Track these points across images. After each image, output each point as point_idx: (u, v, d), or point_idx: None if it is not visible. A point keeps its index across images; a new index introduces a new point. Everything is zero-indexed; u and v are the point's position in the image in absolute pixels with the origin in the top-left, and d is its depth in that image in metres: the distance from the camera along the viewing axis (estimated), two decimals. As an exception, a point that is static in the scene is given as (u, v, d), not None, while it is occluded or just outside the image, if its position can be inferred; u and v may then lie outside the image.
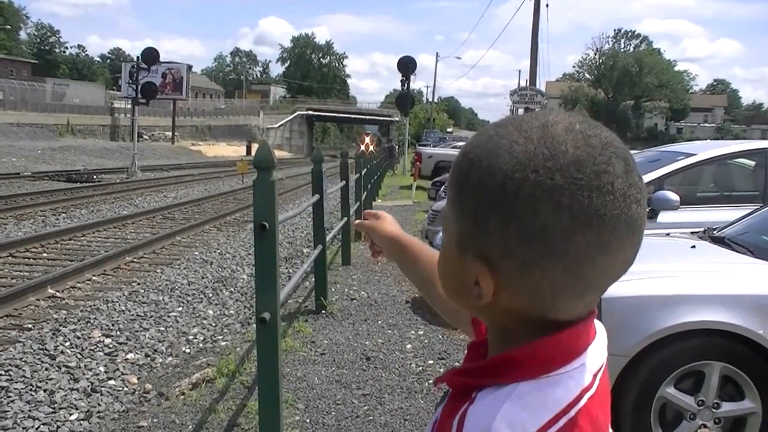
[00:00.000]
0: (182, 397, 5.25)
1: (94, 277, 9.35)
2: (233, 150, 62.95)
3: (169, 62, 65.82)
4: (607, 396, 0.93)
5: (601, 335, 0.93)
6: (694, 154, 7.22)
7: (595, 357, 0.90)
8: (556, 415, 0.82)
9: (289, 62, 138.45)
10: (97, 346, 6.44)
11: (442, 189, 16.28)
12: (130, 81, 32.24)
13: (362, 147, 40.49)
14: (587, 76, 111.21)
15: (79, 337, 6.60)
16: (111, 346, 6.49)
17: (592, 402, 0.86)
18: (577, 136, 0.82)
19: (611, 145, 0.83)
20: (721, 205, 7.07)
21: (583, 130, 0.83)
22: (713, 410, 3.91)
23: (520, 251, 0.81)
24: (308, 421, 4.78)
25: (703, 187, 7.92)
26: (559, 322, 0.86)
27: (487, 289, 0.85)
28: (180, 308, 8.00)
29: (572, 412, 0.83)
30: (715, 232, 5.24)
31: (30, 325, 7.01)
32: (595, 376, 0.88)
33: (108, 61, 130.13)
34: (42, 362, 5.88)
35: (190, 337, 7.05)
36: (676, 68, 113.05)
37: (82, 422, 4.90)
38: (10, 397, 5.15)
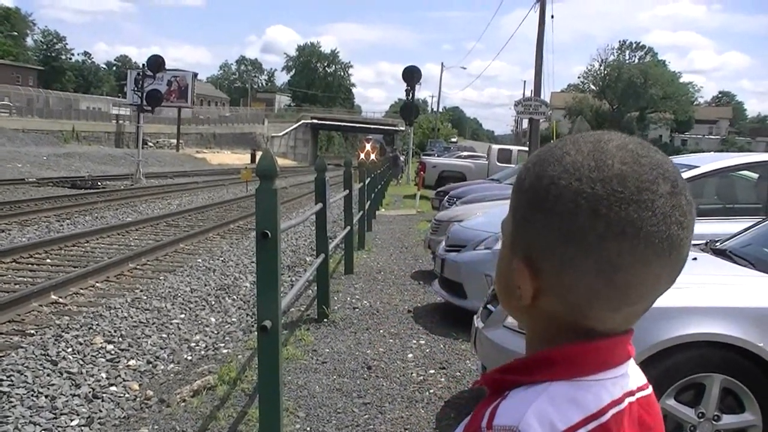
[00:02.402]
0: (183, 403, 5.26)
1: (97, 284, 9.37)
2: (238, 158, 63.01)
3: (174, 70, 66.00)
4: (647, 427, 0.94)
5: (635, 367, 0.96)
6: (698, 166, 7.22)
7: (631, 379, 0.93)
8: (586, 417, 0.85)
9: (294, 71, 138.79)
10: (99, 353, 6.45)
11: (445, 199, 16.29)
12: (136, 88, 32.29)
13: (362, 155, 39.74)
14: (592, 87, 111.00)
15: (81, 343, 6.61)
16: (113, 352, 6.50)
17: (623, 416, 0.89)
18: (626, 153, 0.87)
19: (660, 166, 0.87)
20: (724, 217, 7.06)
21: (635, 150, 0.88)
22: (714, 422, 3.91)
23: (559, 250, 0.86)
24: (309, 429, 4.78)
25: (706, 199, 7.90)
26: (595, 331, 0.89)
27: (527, 290, 0.90)
28: (182, 315, 8.01)
29: (603, 419, 0.86)
30: (717, 244, 5.24)
31: (32, 331, 7.03)
32: (627, 395, 0.91)
33: (114, 68, 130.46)
34: (44, 368, 5.88)
35: (192, 344, 7.06)
36: (682, 80, 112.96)
37: (83, 428, 4.91)
38: (11, 402, 5.16)
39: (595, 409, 0.86)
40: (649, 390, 0.97)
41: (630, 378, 0.93)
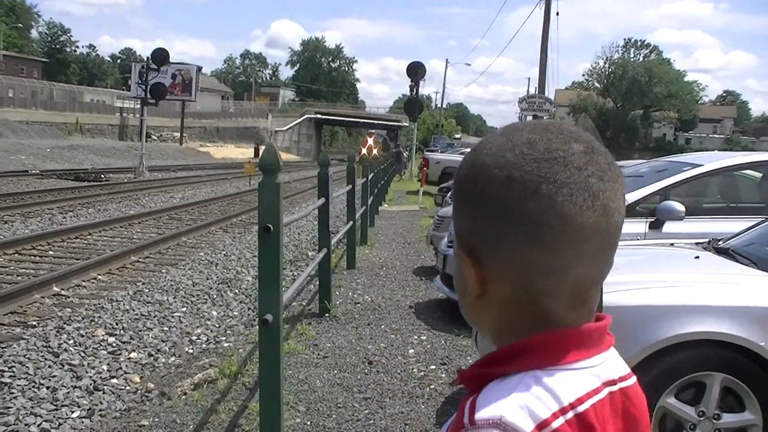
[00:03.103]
0: (184, 397, 5.26)
1: (99, 276, 9.38)
2: (241, 152, 63.01)
3: (179, 63, 65.97)
4: (631, 417, 0.94)
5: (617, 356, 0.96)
6: (701, 165, 7.21)
7: (611, 368, 0.93)
8: (563, 407, 0.85)
9: (298, 65, 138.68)
10: (101, 345, 6.46)
11: (448, 195, 16.28)
12: (140, 81, 32.30)
13: (364, 150, 39.31)
14: (596, 84, 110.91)
15: (82, 336, 6.62)
16: (114, 344, 6.51)
17: (603, 406, 0.89)
18: (536, 126, 0.91)
19: (572, 133, 0.90)
20: (727, 216, 7.05)
21: (547, 124, 0.91)
22: (714, 421, 3.90)
23: (488, 228, 0.88)
24: (309, 423, 4.79)
25: (709, 198, 7.90)
26: (552, 312, 0.89)
27: (473, 279, 0.91)
28: (184, 308, 8.01)
29: (580, 408, 0.86)
30: (719, 243, 5.23)
31: (34, 323, 7.04)
32: (607, 384, 0.91)
33: (118, 61, 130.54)
34: (45, 359, 5.90)
35: (194, 338, 7.06)
36: (686, 78, 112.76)
37: (83, 420, 4.91)
38: (12, 393, 5.17)
39: (573, 399, 0.85)
40: (633, 380, 0.96)
41: (610, 368, 0.92)
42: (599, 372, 0.90)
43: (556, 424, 0.83)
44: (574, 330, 0.89)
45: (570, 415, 0.84)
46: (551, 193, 0.84)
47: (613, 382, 0.92)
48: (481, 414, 0.83)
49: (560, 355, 0.88)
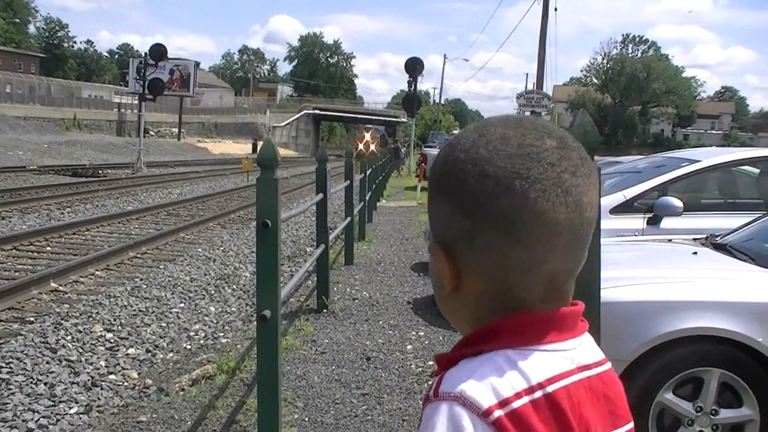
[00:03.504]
0: (182, 393, 5.26)
1: (97, 272, 9.37)
2: (239, 148, 63.00)
3: (176, 59, 65.90)
4: (610, 402, 0.95)
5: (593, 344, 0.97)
6: (699, 161, 7.22)
7: (586, 353, 0.93)
8: (531, 386, 0.85)
9: (296, 61, 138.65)
10: (99, 341, 6.45)
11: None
12: (138, 77, 32.27)
13: (361, 146, 38.94)
14: (595, 80, 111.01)
15: (80, 332, 6.62)
16: (112, 340, 6.51)
17: (577, 389, 0.89)
18: (509, 121, 0.92)
19: (546, 128, 0.91)
20: (725, 212, 7.05)
21: (521, 119, 0.93)
22: (711, 417, 3.91)
23: (462, 223, 0.89)
24: (307, 419, 4.78)
25: (708, 193, 7.91)
26: (527, 302, 0.90)
27: (447, 274, 0.92)
28: (182, 305, 8.01)
29: (550, 389, 0.86)
30: (717, 239, 5.24)
31: (32, 319, 7.03)
32: (582, 369, 0.91)
33: (116, 56, 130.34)
34: (43, 355, 5.89)
35: (191, 334, 7.06)
36: (684, 74, 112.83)
37: (81, 416, 4.92)
38: (10, 389, 5.16)
39: (542, 379, 0.86)
40: (608, 365, 0.96)
41: (585, 353, 0.93)
42: (573, 356, 0.91)
43: (517, 403, 0.84)
44: (549, 312, 0.90)
45: (537, 394, 0.85)
46: (524, 189, 0.86)
47: (588, 367, 0.92)
48: (444, 387, 0.85)
49: (533, 336, 0.89)
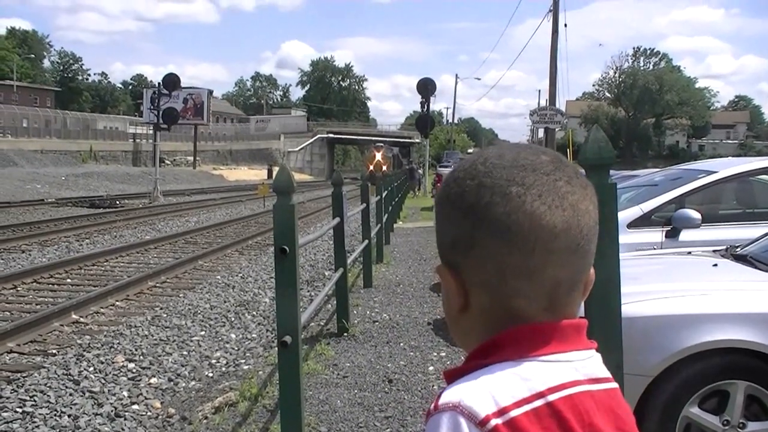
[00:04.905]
0: (205, 421, 5.26)
1: (117, 302, 9.41)
2: (255, 174, 63.27)
3: (190, 87, 66.45)
4: (616, 412, 0.94)
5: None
6: (716, 172, 7.18)
7: (593, 368, 0.94)
8: (532, 395, 0.86)
9: (308, 86, 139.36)
10: (121, 371, 6.47)
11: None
12: (152, 107, 32.55)
13: (371, 167, 38.23)
14: (607, 94, 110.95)
15: (102, 362, 6.64)
16: (134, 370, 6.52)
17: (585, 399, 0.90)
18: (509, 145, 0.98)
19: (541, 149, 0.96)
20: (744, 222, 7.01)
21: (519, 144, 0.99)
22: (739, 430, 3.86)
23: (462, 237, 0.92)
24: (331, 444, 4.77)
25: (725, 204, 7.86)
26: (528, 312, 0.91)
27: (453, 290, 0.95)
28: (203, 332, 8.02)
29: (551, 397, 0.87)
30: (737, 249, 5.20)
31: (54, 351, 7.07)
32: (590, 381, 0.92)
33: (130, 87, 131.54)
34: (66, 387, 5.91)
35: (213, 361, 7.07)
36: (698, 85, 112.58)
37: (106, 447, 4.92)
38: (35, 422, 5.18)
39: (543, 388, 0.87)
40: (616, 385, 0.97)
41: (594, 366, 0.94)
42: (579, 366, 0.92)
43: (515, 412, 0.85)
44: (550, 323, 0.92)
45: (538, 403, 0.86)
46: (520, 194, 0.89)
47: (598, 380, 0.93)
48: (443, 399, 0.88)
49: (534, 346, 0.90)
